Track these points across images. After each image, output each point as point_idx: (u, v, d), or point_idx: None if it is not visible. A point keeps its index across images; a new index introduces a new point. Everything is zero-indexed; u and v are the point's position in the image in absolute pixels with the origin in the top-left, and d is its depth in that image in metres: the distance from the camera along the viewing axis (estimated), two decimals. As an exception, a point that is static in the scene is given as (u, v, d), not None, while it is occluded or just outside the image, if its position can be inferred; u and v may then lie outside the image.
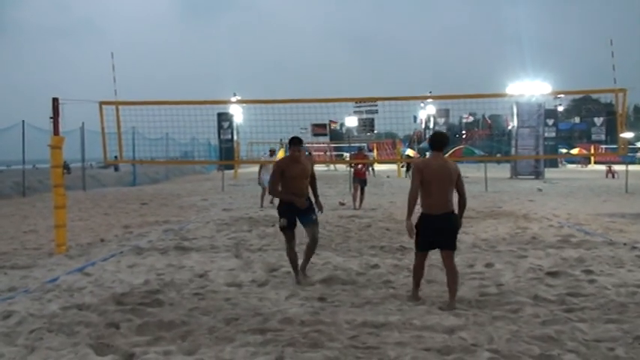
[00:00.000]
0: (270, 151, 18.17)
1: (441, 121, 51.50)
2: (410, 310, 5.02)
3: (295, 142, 6.18)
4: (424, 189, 5.15)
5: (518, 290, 5.69)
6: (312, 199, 6.39)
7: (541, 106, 30.63)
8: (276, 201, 6.80)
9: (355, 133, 56.85)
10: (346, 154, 38.80)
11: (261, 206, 14.41)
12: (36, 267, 7.14)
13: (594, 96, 66.08)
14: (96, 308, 5.11)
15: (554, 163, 39.45)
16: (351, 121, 53.22)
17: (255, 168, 20.28)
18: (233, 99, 31.63)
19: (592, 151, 46.75)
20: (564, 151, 46.24)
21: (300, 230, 6.37)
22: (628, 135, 37.50)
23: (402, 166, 31.92)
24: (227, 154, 34.33)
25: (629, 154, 33.03)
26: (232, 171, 31.65)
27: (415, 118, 56.14)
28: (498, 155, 42.42)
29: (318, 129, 56.14)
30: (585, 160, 45.95)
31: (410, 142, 61.19)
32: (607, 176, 27.86)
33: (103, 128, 9.57)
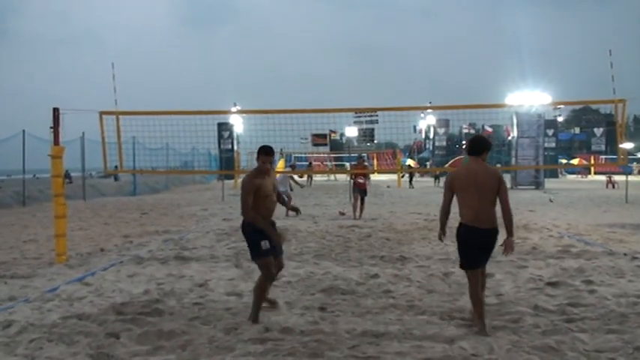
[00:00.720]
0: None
1: (441, 131, 51.51)
2: (410, 320, 5.02)
3: (267, 152, 5.19)
4: (460, 199, 4.74)
5: (519, 300, 5.69)
6: (286, 209, 6.18)
7: (541, 117, 30.75)
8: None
9: (355, 143, 56.91)
10: (347, 164, 38.89)
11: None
12: (36, 276, 7.13)
13: (594, 106, 66.19)
14: (96, 318, 5.11)
15: (554, 174, 39.54)
16: (351, 131, 53.25)
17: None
18: (233, 109, 31.75)
19: (592, 161, 46.80)
20: (564, 161, 46.27)
21: None
22: (628, 145, 37.51)
23: (402, 176, 31.94)
24: (227, 164, 34.41)
25: (628, 165, 33.04)
26: (232, 181, 31.66)
27: (415, 128, 56.24)
28: (498, 165, 42.38)
29: (319, 139, 56.16)
30: (585, 170, 46.04)
31: (410, 152, 61.33)
32: (607, 186, 27.90)
33: (103, 138, 9.61)
